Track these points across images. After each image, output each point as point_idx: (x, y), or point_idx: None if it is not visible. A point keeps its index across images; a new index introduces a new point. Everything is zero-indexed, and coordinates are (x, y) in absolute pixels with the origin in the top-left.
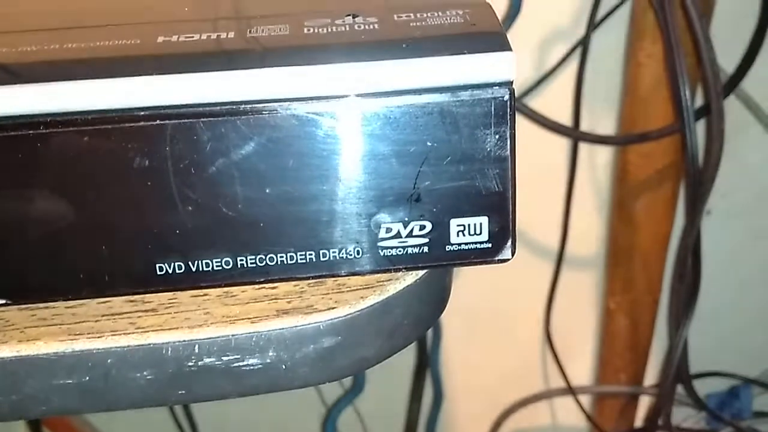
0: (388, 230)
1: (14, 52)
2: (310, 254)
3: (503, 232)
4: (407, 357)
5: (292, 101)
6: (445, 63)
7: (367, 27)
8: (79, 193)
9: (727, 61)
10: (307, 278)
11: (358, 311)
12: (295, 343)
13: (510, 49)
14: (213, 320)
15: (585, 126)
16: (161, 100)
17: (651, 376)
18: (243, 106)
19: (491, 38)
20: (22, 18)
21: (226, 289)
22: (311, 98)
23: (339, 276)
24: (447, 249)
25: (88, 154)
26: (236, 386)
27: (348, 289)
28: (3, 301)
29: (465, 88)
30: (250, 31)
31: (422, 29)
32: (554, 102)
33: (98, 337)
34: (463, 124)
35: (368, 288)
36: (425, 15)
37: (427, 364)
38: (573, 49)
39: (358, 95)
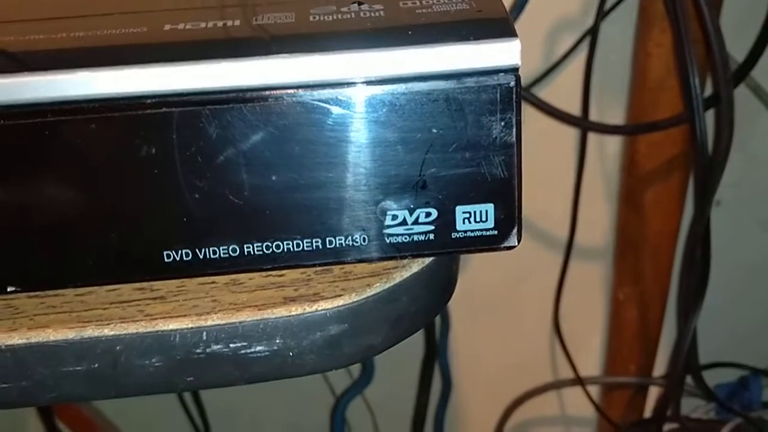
0: (394, 217)
1: (22, 40)
2: (317, 242)
3: (509, 219)
4: (416, 347)
5: (298, 88)
6: (450, 50)
7: (372, 14)
8: (86, 182)
9: (737, 50)
10: (314, 265)
11: (364, 299)
12: (302, 330)
13: (515, 36)
14: (220, 308)
15: (594, 116)
16: (168, 87)
17: (660, 366)
18: (249, 93)
19: (497, 25)
20: (30, 7)
21: (233, 276)
22: (317, 85)
23: (345, 263)
24: (453, 236)
25: (96, 142)
26: (243, 373)
27: (354, 276)
28: (12, 289)
29: (471, 74)
30: (256, 19)
31: (428, 16)
32: (563, 92)
33: (107, 325)
34: (469, 111)
35: (374, 276)
36: (431, 2)
37: (435, 354)
38: (582, 39)
39: (363, 82)
